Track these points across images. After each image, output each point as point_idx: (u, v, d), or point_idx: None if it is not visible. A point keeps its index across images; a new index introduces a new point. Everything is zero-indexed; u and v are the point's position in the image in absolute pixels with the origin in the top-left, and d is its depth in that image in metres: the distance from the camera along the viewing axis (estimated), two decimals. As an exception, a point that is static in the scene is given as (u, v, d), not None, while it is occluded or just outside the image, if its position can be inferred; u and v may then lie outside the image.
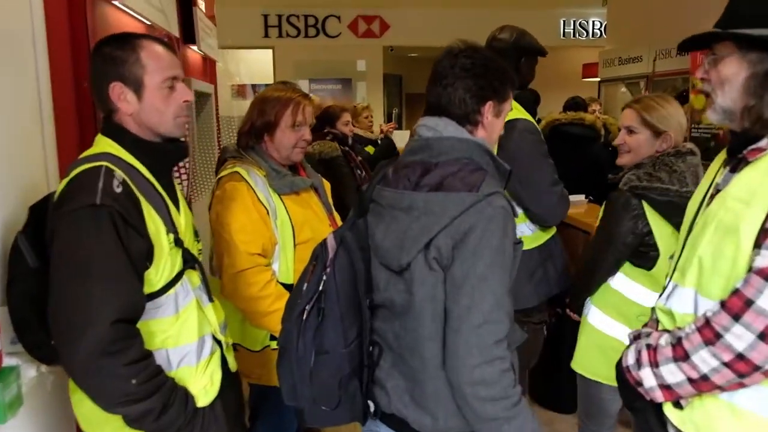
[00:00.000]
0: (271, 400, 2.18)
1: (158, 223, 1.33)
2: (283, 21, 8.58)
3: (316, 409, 1.39)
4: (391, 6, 8.69)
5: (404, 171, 1.36)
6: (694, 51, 1.21)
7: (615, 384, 1.99)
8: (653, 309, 1.41)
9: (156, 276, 1.32)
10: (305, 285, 1.38)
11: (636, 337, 1.40)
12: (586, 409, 2.22)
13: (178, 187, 1.52)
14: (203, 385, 1.41)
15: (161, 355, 1.35)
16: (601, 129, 4.01)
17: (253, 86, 8.88)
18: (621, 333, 1.99)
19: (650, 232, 1.88)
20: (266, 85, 6.15)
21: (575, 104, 4.45)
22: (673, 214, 1.83)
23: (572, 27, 9.42)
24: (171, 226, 1.37)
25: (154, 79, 1.37)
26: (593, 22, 9.42)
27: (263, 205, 1.98)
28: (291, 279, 2.06)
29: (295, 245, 2.05)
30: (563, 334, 2.57)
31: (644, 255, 1.92)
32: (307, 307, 1.35)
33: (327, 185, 2.36)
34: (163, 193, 1.40)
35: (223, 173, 2.07)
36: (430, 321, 1.27)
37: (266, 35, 8.60)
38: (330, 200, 2.33)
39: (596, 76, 7.62)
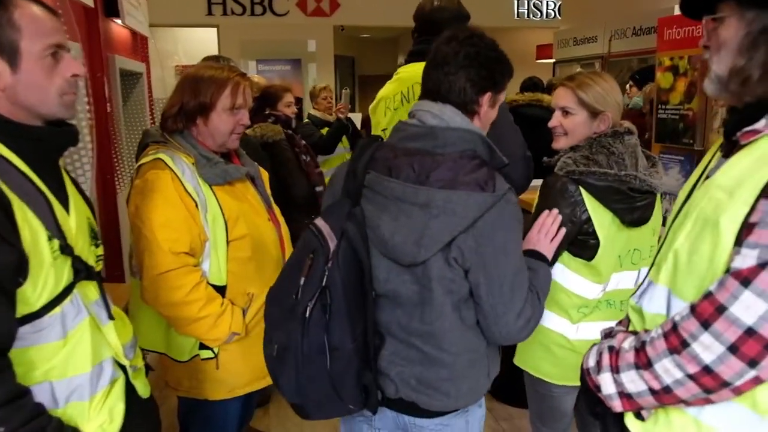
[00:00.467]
0: (201, 413, 1.98)
1: (36, 227, 1.08)
2: (227, -3, 8.15)
3: (321, 404, 1.38)
4: (341, -17, 8.36)
5: (405, 159, 1.34)
6: (697, 17, 1.06)
7: (561, 382, 1.89)
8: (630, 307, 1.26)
9: (34, 293, 1.08)
10: (302, 279, 1.30)
11: (607, 335, 1.26)
12: (538, 410, 2.06)
13: (69, 182, 1.26)
14: (100, 422, 1.18)
15: (43, 390, 1.11)
16: (559, 110, 3.88)
17: (197, 67, 8.43)
18: (563, 327, 1.87)
19: (589, 220, 1.75)
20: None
21: (533, 84, 4.30)
22: (613, 200, 1.74)
23: (526, 7, 9.29)
24: (56, 231, 1.12)
25: (34, 46, 1.11)
26: (547, 2, 9.32)
27: (191, 197, 1.77)
28: (223, 280, 1.84)
29: (228, 242, 1.83)
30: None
31: (583, 244, 1.78)
32: (309, 305, 1.29)
33: (265, 175, 2.13)
34: (46, 190, 1.14)
35: (143, 160, 1.83)
36: (450, 312, 1.35)
37: (210, 12, 8.17)
38: (269, 191, 2.10)
39: (551, 58, 7.52)
